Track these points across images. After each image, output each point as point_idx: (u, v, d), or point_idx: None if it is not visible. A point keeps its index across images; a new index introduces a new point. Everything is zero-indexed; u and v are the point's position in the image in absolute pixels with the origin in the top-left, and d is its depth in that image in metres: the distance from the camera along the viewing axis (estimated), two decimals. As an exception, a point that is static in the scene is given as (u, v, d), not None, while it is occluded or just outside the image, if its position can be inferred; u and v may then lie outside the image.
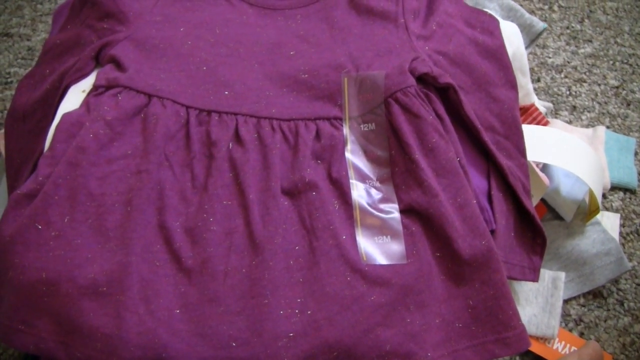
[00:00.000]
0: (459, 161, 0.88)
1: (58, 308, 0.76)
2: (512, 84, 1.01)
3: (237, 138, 0.87)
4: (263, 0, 1.01)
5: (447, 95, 0.95)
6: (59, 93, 0.92)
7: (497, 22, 1.04)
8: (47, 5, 1.47)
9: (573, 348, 1.01)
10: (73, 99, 0.91)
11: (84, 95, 0.90)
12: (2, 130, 1.03)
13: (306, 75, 0.93)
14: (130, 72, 0.90)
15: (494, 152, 0.94)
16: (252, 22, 0.99)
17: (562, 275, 1.05)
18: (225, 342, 0.75)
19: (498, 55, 1.01)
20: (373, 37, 0.96)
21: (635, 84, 1.41)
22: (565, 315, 1.07)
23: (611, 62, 1.45)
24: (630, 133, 1.32)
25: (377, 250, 0.83)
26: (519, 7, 1.26)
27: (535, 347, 1.01)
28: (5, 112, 1.28)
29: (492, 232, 0.89)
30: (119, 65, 0.91)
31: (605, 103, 1.36)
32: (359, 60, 0.93)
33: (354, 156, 0.88)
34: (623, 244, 1.16)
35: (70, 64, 0.94)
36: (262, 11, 1.00)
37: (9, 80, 1.34)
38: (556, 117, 1.33)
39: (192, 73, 0.92)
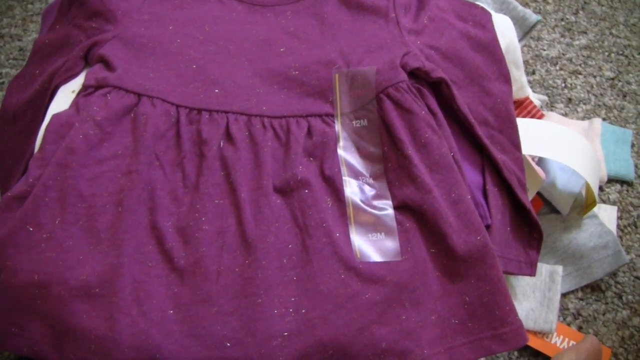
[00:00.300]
0: (453, 156, 0.88)
1: (50, 310, 0.75)
2: (506, 78, 1.00)
3: (228, 136, 0.86)
4: (252, -3, 1.01)
5: (439, 90, 0.94)
6: (49, 94, 0.91)
7: (489, 15, 1.03)
8: (37, 5, 1.46)
9: (571, 342, 1.01)
10: (62, 99, 0.90)
11: (73, 95, 0.90)
12: (-6, 133, 1.02)
13: (297, 72, 0.92)
14: (119, 71, 0.89)
15: (488, 147, 0.93)
16: (241, 19, 0.98)
17: (560, 269, 1.05)
18: (219, 342, 0.75)
19: (491, 49, 1.00)
20: (363, 32, 0.96)
21: (631, 75, 1.40)
22: (563, 309, 1.06)
23: (606, 53, 1.44)
24: (627, 125, 1.31)
25: (371, 247, 0.82)
26: (511, -1, 1.25)
27: (533, 342, 1.00)
28: (-2, 113, 1.28)
29: (488, 227, 0.88)
30: (107, 64, 0.91)
31: (601, 95, 1.35)
32: (350, 56, 0.93)
33: (346, 153, 0.88)
34: (620, 237, 1.15)
35: (59, 64, 0.93)
36: (251, 8, 1.00)
37: (1, 80, 1.33)
38: (552, 110, 1.32)
39: (181, 71, 0.91)
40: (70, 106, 0.88)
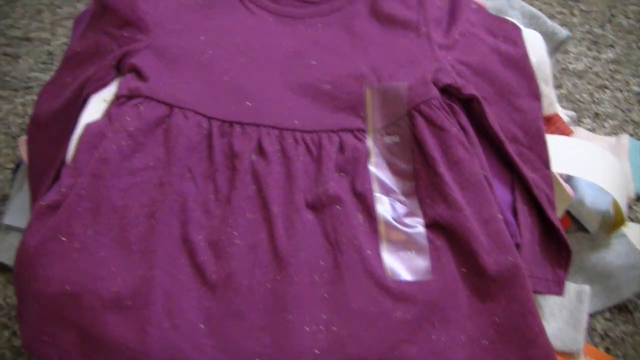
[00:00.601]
0: (484, 174, 0.88)
1: (82, 321, 0.76)
2: (536, 94, 1.00)
3: (260, 150, 0.86)
4: (283, 8, 1.00)
5: (470, 106, 0.94)
6: (80, 102, 0.92)
7: (519, 31, 1.03)
8: (66, 9, 1.47)
9: (598, 364, 1.00)
10: (95, 108, 0.90)
11: (105, 104, 0.90)
12: (25, 137, 1.03)
13: (328, 86, 0.92)
14: (152, 81, 0.89)
15: (518, 165, 0.93)
16: (272, 30, 0.98)
17: (587, 288, 1.04)
18: (250, 357, 0.75)
19: (521, 65, 1.00)
20: (395, 46, 0.96)
21: (658, 90, 1.39)
22: (590, 330, 1.05)
23: (634, 67, 1.44)
24: (654, 141, 1.30)
25: (402, 265, 0.82)
26: (541, 14, 1.24)
27: (560, 362, 1.00)
28: (27, 117, 1.29)
29: (517, 245, 0.88)
30: (140, 74, 0.91)
31: (629, 110, 1.35)
32: (381, 70, 0.93)
33: (377, 169, 0.88)
34: (648, 256, 1.14)
35: (90, 73, 0.93)
36: (282, 19, 1.00)
37: (30, 85, 1.34)
38: (579, 125, 1.31)
39: (213, 83, 0.91)
40: (103, 116, 0.88)
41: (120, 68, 0.93)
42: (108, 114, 0.88)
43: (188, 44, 0.94)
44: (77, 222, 0.80)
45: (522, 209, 0.91)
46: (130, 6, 0.95)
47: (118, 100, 0.88)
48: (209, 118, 0.88)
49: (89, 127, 0.86)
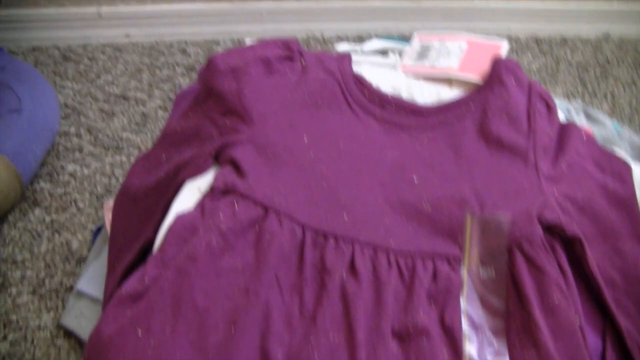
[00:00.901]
0: (578, 323, 0.83)
1: (146, 422, 0.74)
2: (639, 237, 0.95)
3: (352, 269, 0.84)
4: (390, 117, 0.98)
5: (571, 245, 0.90)
6: (174, 185, 0.91)
7: (629, 168, 0.99)
8: (165, 71, 1.49)
9: None
10: (188, 196, 0.90)
11: (199, 194, 0.89)
12: (110, 202, 1.03)
13: (428, 207, 0.89)
14: (250, 180, 0.88)
15: (614, 312, 0.88)
16: (377, 138, 0.96)
17: None
18: None
19: (628, 205, 0.96)
20: (501, 173, 0.93)
21: None
22: None
23: None
24: None
25: (483, 411, 0.79)
26: (650, 147, 1.20)
27: None
28: (113, 177, 1.29)
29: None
30: (238, 169, 0.90)
31: None
32: (485, 197, 0.90)
33: (469, 303, 0.84)
34: None
35: (187, 157, 0.93)
36: (388, 127, 0.97)
37: (121, 145, 1.35)
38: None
39: (311, 188, 0.89)
40: (196, 207, 0.87)
41: (218, 158, 0.92)
42: (201, 206, 0.86)
43: (290, 143, 0.93)
44: (156, 318, 0.78)
45: (613, 358, 0.86)
46: (237, 95, 0.95)
47: (213, 193, 0.87)
48: (304, 226, 0.86)
49: (180, 218, 0.85)
